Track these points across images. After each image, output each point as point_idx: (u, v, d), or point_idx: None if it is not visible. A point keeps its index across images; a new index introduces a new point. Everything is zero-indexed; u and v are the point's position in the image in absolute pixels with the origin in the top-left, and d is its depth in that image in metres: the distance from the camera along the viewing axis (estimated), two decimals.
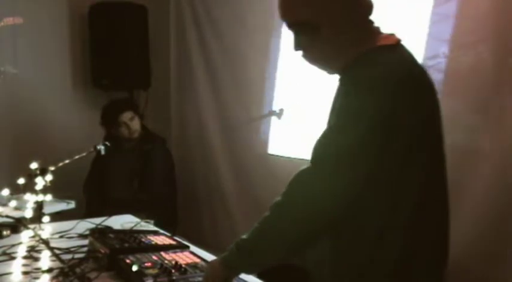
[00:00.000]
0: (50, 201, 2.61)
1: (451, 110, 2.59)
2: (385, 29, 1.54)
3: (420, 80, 1.46)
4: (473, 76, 2.49)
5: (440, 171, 1.57)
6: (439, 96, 1.57)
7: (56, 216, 2.76)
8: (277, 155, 3.53)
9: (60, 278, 1.63)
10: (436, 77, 2.68)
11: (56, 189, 2.56)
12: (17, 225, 2.29)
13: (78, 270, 1.68)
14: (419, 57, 2.15)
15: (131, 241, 1.88)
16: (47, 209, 2.55)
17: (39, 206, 2.44)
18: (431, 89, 1.50)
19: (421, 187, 1.46)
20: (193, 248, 1.93)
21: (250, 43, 3.78)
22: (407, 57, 1.48)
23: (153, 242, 1.92)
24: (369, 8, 1.50)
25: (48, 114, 4.20)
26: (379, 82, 1.37)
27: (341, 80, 1.51)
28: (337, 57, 1.49)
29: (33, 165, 2.51)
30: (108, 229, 2.12)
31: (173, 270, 1.62)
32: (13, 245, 2.01)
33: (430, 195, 1.49)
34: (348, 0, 1.46)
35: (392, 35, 1.53)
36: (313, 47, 1.48)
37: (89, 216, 2.46)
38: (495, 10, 2.39)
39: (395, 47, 1.48)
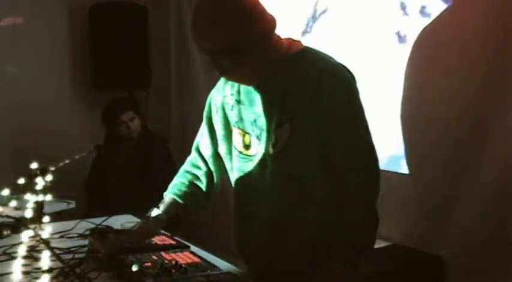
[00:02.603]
0: (50, 201, 2.60)
1: (451, 109, 2.60)
2: None
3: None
4: (473, 74, 2.49)
5: None
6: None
7: (56, 216, 2.75)
8: None
9: (60, 278, 1.63)
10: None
11: (56, 189, 2.56)
12: (17, 225, 2.28)
13: (78, 270, 1.68)
14: None
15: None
16: (47, 209, 2.55)
17: (39, 206, 2.44)
18: None
19: None
20: (193, 248, 1.93)
21: None
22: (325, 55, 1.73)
23: (153, 242, 1.92)
24: (274, 22, 1.69)
25: (48, 114, 4.20)
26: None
27: (275, 81, 1.70)
28: (259, 70, 1.69)
29: (33, 165, 2.51)
30: (108, 229, 2.12)
31: (173, 270, 1.62)
32: (13, 245, 2.01)
33: None
34: (262, 19, 1.64)
35: (291, 39, 1.74)
36: (237, 67, 1.66)
37: (90, 216, 2.46)
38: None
39: (305, 49, 1.73)
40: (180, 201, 1.96)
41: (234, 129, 1.84)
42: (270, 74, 1.70)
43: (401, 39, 2.84)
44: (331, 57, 1.71)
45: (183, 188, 1.98)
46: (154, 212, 1.92)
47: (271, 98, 1.70)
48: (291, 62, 1.69)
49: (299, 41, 1.75)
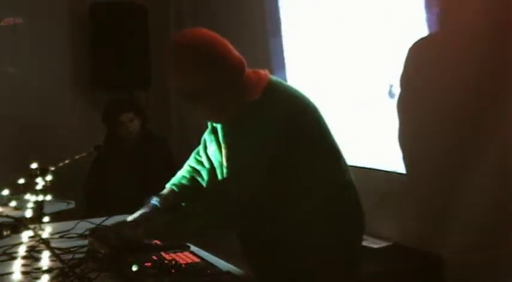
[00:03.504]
0: (50, 201, 2.60)
1: (450, 109, 2.60)
2: None
3: (292, 114, 1.71)
4: (472, 74, 2.50)
5: None
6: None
7: (56, 216, 2.75)
8: None
9: (60, 278, 1.63)
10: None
11: (56, 189, 2.56)
12: (17, 225, 2.28)
13: (78, 270, 1.68)
14: None
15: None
16: (47, 209, 2.55)
17: (39, 206, 2.44)
18: (306, 112, 1.76)
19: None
20: (193, 248, 1.93)
21: (250, 43, 3.78)
22: (273, 103, 1.72)
23: (153, 242, 1.92)
24: (240, 67, 1.75)
25: (48, 114, 4.19)
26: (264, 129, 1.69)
27: (231, 128, 1.79)
28: (221, 114, 1.79)
29: (33, 165, 2.51)
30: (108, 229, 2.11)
31: (173, 270, 1.62)
32: (13, 245, 2.01)
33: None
34: (220, 70, 1.71)
35: (259, 74, 1.78)
36: (200, 108, 1.79)
37: (89, 216, 2.46)
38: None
39: (262, 97, 1.72)
40: (177, 190, 2.03)
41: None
42: (232, 119, 1.77)
43: None
44: (288, 99, 1.74)
45: (183, 181, 2.05)
46: (152, 200, 2.00)
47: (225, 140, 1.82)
48: (248, 111, 1.72)
49: (265, 75, 1.79)
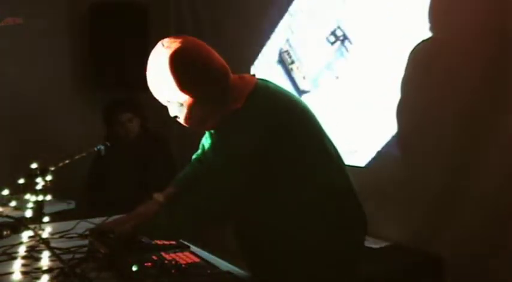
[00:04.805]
0: (50, 201, 2.60)
1: (451, 109, 2.60)
2: None
3: (272, 123, 1.68)
4: (472, 74, 2.50)
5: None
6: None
7: (56, 216, 2.75)
8: None
9: (60, 278, 1.63)
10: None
11: (56, 189, 2.56)
12: (17, 225, 2.29)
13: (78, 270, 1.68)
14: None
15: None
16: (47, 209, 2.55)
17: (39, 206, 2.44)
18: (295, 112, 1.75)
19: None
20: (193, 248, 1.93)
21: (251, 43, 3.78)
22: (259, 108, 1.70)
23: (153, 242, 1.92)
24: (225, 74, 1.74)
25: (48, 114, 4.19)
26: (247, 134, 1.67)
27: (215, 136, 1.87)
28: (204, 123, 1.82)
29: (33, 165, 2.51)
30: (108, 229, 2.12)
31: (173, 270, 1.62)
32: (13, 245, 2.01)
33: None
34: (204, 79, 1.70)
35: (244, 80, 1.77)
36: (182, 116, 1.80)
37: (89, 216, 2.46)
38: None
39: (244, 106, 1.70)
40: (179, 185, 2.04)
41: None
42: (216, 127, 1.80)
43: None
44: (268, 105, 1.71)
45: (185, 177, 2.07)
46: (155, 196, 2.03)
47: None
48: (229, 121, 1.73)
49: (251, 80, 1.77)
